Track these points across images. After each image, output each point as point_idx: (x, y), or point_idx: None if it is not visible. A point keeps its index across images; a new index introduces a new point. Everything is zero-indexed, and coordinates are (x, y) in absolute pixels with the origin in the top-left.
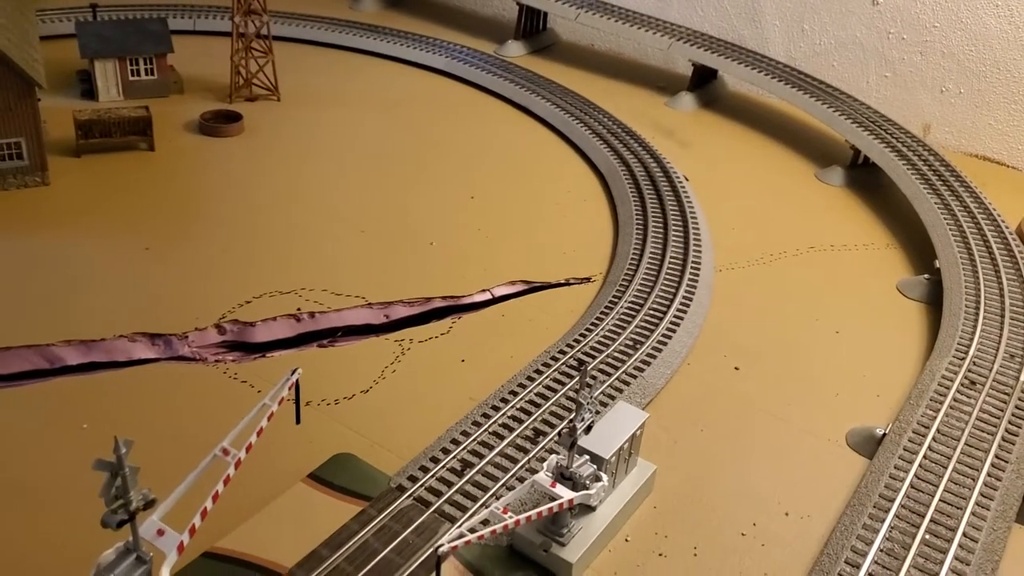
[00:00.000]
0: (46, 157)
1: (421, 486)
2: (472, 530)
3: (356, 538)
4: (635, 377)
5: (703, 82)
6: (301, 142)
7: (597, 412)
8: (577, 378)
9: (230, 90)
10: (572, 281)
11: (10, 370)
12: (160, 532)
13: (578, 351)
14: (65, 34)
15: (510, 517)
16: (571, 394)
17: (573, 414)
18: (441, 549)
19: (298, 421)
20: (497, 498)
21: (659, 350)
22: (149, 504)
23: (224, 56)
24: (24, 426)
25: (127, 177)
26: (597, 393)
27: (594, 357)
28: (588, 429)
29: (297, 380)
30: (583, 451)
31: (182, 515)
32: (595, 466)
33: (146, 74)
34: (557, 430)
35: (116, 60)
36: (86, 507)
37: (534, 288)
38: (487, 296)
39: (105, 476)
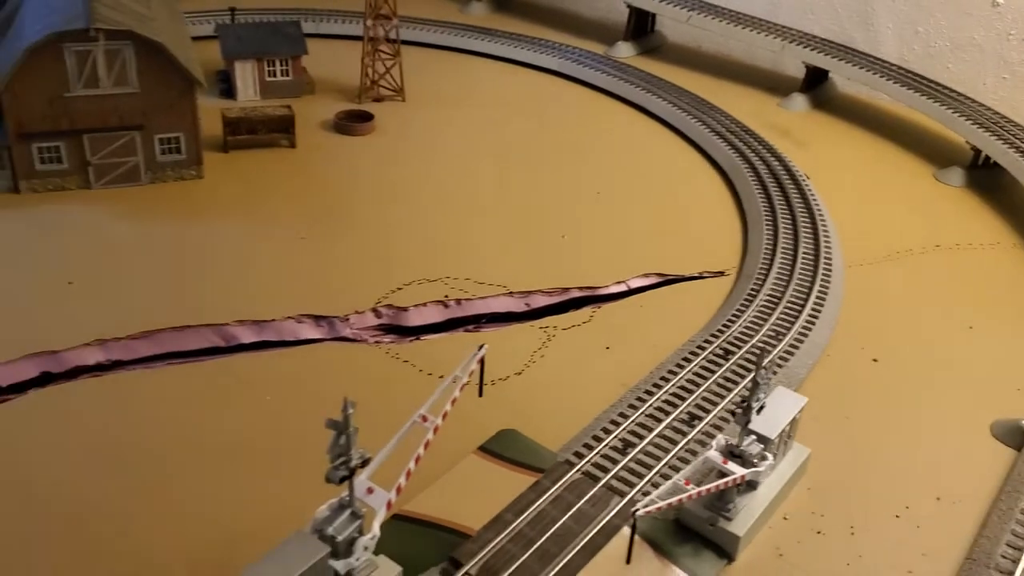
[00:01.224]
0: (202, 152)
1: (588, 462)
2: (661, 497)
3: (534, 506)
4: (780, 367)
5: (815, 83)
6: (429, 140)
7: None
8: (750, 370)
9: (359, 91)
10: (706, 274)
11: (191, 347)
12: (370, 490)
13: (723, 341)
14: (203, 36)
15: (692, 488)
16: (721, 381)
17: (749, 394)
18: (638, 513)
19: (480, 394)
20: (661, 475)
21: (800, 341)
22: (365, 463)
23: (350, 58)
24: (211, 397)
25: (273, 172)
26: (771, 378)
27: (739, 347)
28: (759, 411)
29: (483, 356)
30: (750, 431)
31: (379, 477)
32: (762, 445)
33: (281, 75)
34: (717, 408)
35: (254, 61)
36: (284, 467)
37: (668, 280)
38: (623, 287)
39: (331, 435)
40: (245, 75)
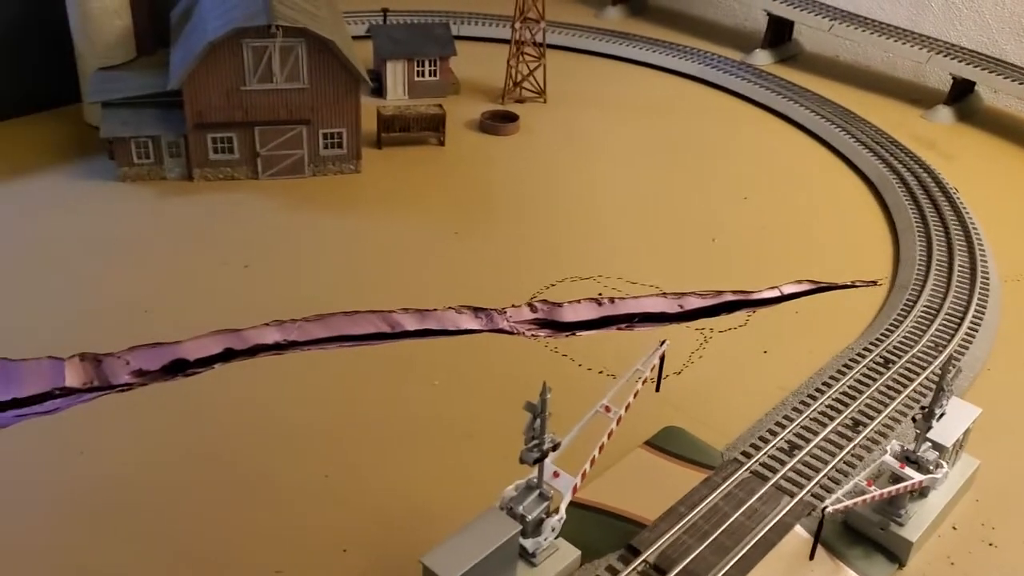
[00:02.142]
0: (361, 147)
1: (756, 461)
2: (846, 496)
3: (707, 500)
4: (957, 359)
5: (960, 96)
6: (572, 141)
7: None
8: (932, 372)
9: (503, 92)
10: (859, 283)
11: (360, 331)
12: (556, 474)
13: (882, 349)
14: (356, 35)
15: (875, 490)
16: (883, 389)
17: (931, 400)
18: (827, 509)
19: (658, 389)
20: (829, 478)
21: (962, 353)
22: (555, 447)
23: (493, 60)
24: (382, 380)
25: (424, 167)
26: (951, 379)
27: (899, 357)
28: (940, 417)
29: (664, 352)
30: (926, 439)
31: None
32: (937, 453)
33: (430, 75)
34: (881, 415)
35: (405, 61)
36: (457, 449)
37: (821, 288)
38: (776, 293)
39: (528, 417)
40: (396, 74)
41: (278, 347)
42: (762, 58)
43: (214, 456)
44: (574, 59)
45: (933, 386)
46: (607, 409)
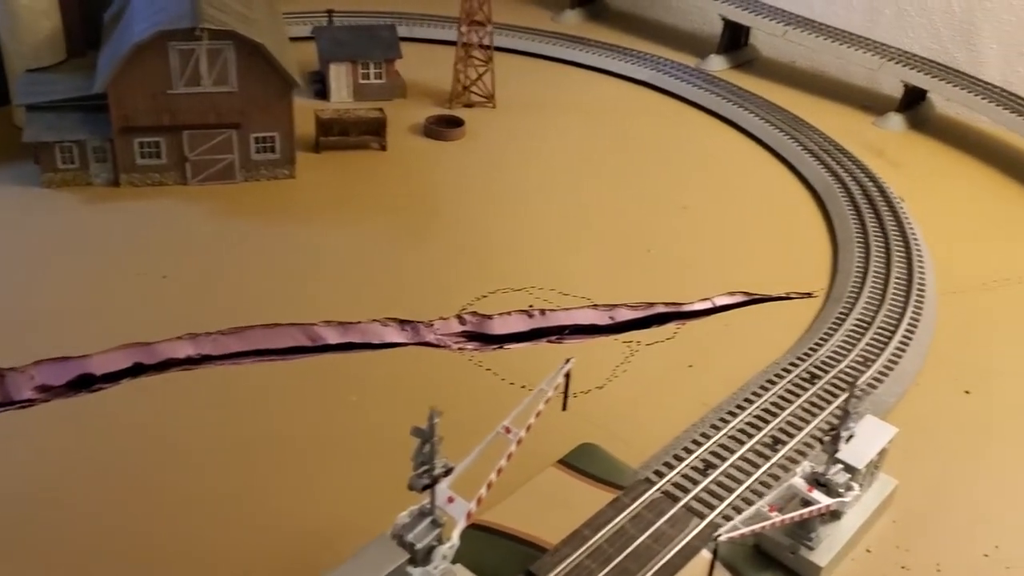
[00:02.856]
0: (295, 152)
1: (668, 481)
2: (744, 523)
3: (613, 523)
4: (868, 394)
5: (912, 103)
6: (518, 148)
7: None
8: (839, 397)
9: (450, 96)
10: (793, 295)
11: (279, 345)
12: (450, 499)
13: (809, 364)
14: (300, 37)
15: (776, 516)
16: (806, 406)
17: (838, 422)
18: (720, 538)
19: (564, 408)
20: (742, 499)
21: (890, 368)
22: (448, 472)
23: (443, 63)
24: (296, 396)
25: (363, 173)
26: (861, 407)
27: (825, 372)
28: (848, 440)
29: (570, 370)
30: (837, 460)
31: (459, 486)
32: (848, 475)
33: (375, 78)
34: (801, 433)
35: (349, 64)
36: (367, 469)
37: (755, 300)
38: (708, 305)
39: (416, 442)
40: (339, 77)
41: (191, 361)
42: (717, 63)
43: (116, 475)
44: (526, 63)
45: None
46: (508, 430)
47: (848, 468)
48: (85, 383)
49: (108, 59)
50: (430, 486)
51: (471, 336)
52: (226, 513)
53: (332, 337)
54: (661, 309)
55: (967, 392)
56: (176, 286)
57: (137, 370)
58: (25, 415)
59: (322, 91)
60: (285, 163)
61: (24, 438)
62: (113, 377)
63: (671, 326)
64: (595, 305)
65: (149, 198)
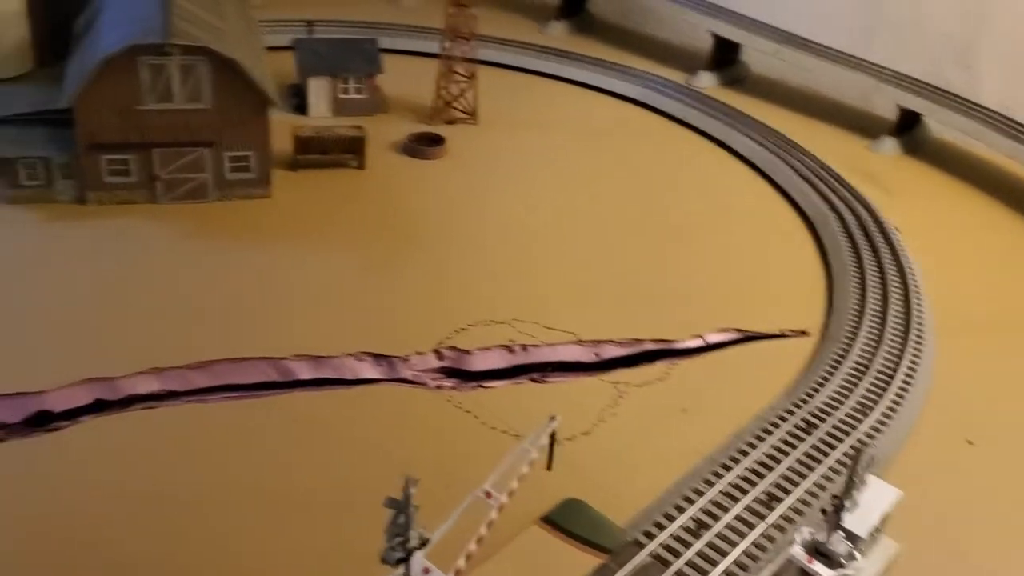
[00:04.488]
0: (271, 171)
1: (658, 543)
2: None
3: None
4: (867, 445)
5: (907, 126)
6: (501, 167)
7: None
8: (848, 461)
9: (431, 112)
10: (788, 333)
11: (247, 380)
12: (427, 571)
13: (806, 411)
14: (279, 46)
15: None
16: (803, 459)
17: (842, 492)
18: None
19: (549, 467)
20: (737, 564)
21: (889, 417)
22: (423, 544)
23: (425, 76)
24: (263, 437)
25: (340, 194)
26: (863, 469)
27: (822, 420)
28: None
29: (555, 429)
30: (839, 527)
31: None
32: (850, 544)
33: (356, 93)
34: (798, 488)
35: (329, 78)
36: (338, 522)
37: (748, 337)
38: (700, 342)
39: (390, 513)
40: (319, 92)
41: (155, 398)
42: (707, 80)
43: (62, 525)
44: (511, 77)
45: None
46: (488, 495)
47: (850, 536)
48: (42, 420)
49: (76, 72)
50: (404, 560)
51: (449, 372)
52: (181, 572)
53: (304, 372)
54: (650, 346)
55: (969, 442)
56: (140, 312)
57: (99, 406)
58: None
59: (300, 105)
60: (261, 182)
61: None
62: (73, 414)
63: (661, 365)
64: (580, 341)
65: (116, 217)
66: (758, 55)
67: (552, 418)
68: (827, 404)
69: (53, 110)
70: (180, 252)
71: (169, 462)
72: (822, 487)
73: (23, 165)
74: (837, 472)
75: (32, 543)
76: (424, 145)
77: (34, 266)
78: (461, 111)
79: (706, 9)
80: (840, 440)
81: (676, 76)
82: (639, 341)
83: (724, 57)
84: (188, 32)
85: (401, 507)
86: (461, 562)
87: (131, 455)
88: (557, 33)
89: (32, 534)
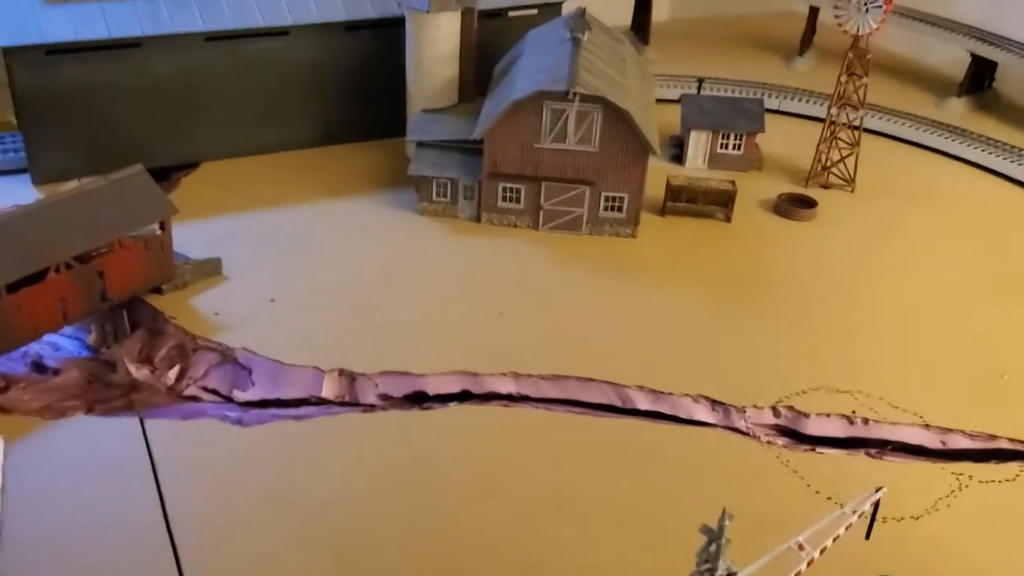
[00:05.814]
0: (640, 214)
1: None
2: None
3: None
4: None
5: None
6: (870, 239)
7: None
8: None
9: (808, 175)
10: None
11: (592, 400)
12: None
13: None
14: (666, 99)
15: None
16: None
17: None
18: None
19: (868, 536)
20: None
21: None
22: None
23: (805, 139)
24: (595, 454)
25: (703, 243)
26: None
27: None
28: None
29: (879, 499)
30: None
31: None
32: None
33: (733, 148)
34: None
35: (710, 132)
36: (648, 546)
37: None
38: None
39: (703, 540)
40: (698, 144)
41: (510, 398)
42: None
43: (421, 483)
44: (896, 149)
45: None
46: (800, 547)
47: None
48: (419, 399)
49: (490, 110)
50: None
51: (783, 431)
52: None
53: (642, 402)
54: (1005, 444)
55: None
56: (509, 321)
57: (464, 396)
58: (362, 418)
59: (678, 155)
60: (629, 223)
61: (352, 443)
62: (444, 399)
63: (1014, 465)
64: (927, 425)
65: (503, 237)
66: None
67: (878, 488)
68: None
69: (468, 140)
70: (551, 275)
71: (513, 456)
72: None
73: (437, 184)
74: None
75: (392, 496)
76: (795, 206)
77: (435, 269)
78: (839, 177)
79: None
80: None
81: None
82: (993, 437)
83: None
84: (589, 83)
85: (714, 536)
86: None
87: (486, 443)
88: (955, 109)
89: (391, 488)
